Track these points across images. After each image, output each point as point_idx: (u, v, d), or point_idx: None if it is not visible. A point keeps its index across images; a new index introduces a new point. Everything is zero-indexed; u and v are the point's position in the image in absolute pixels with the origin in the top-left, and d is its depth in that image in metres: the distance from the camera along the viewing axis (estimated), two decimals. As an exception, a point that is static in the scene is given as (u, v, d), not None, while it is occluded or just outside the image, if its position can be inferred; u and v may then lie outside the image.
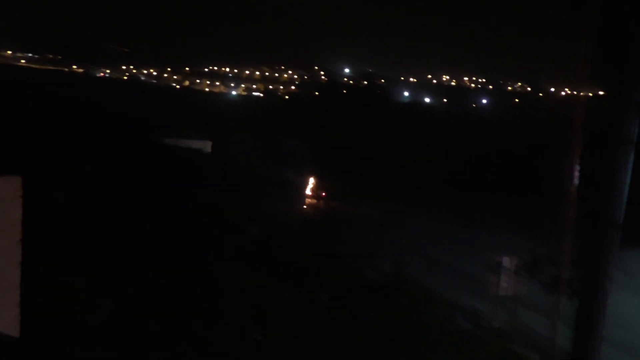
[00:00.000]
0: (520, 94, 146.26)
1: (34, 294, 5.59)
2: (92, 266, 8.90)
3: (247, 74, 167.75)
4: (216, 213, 16.11)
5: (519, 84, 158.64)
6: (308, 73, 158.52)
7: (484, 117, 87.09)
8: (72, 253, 8.73)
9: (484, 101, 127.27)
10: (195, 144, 30.29)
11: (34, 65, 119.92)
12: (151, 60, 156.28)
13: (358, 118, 19.11)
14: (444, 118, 48.91)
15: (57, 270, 7.95)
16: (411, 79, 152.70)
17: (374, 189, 16.99)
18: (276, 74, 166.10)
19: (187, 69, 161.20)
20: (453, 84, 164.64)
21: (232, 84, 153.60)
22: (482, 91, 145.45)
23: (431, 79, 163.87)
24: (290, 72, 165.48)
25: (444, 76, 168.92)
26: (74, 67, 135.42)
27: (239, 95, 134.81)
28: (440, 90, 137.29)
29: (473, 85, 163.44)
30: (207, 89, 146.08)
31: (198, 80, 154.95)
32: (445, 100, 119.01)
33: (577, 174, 7.80)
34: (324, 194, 19.75)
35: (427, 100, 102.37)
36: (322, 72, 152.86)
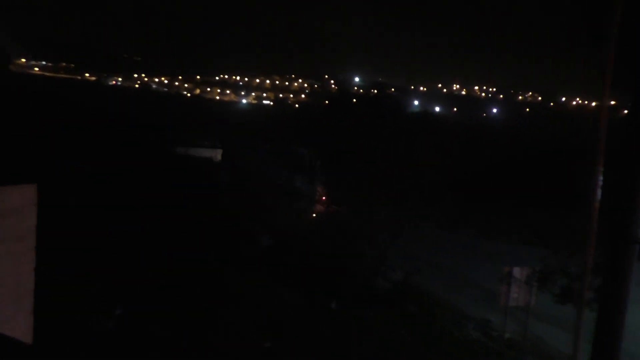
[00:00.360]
0: (531, 104, 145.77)
1: (46, 300, 5.64)
2: (105, 272, 8.96)
3: (257, 82, 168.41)
4: (227, 221, 16.15)
5: (530, 93, 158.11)
6: (318, 82, 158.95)
7: (494, 126, 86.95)
8: (86, 259, 8.79)
9: (495, 110, 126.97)
10: (206, 152, 30.44)
11: (47, 74, 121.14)
12: (163, 69, 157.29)
13: (368, 127, 19.10)
14: (455, 127, 48.89)
15: (70, 276, 8.00)
16: (421, 88, 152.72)
17: (384, 197, 16.95)
18: (286, 83, 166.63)
19: (198, 77, 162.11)
20: (463, 93, 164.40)
21: (243, 93, 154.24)
22: (493, 100, 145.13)
23: (441, 88, 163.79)
24: (300, 81, 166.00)
25: (454, 85, 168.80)
26: (87, 75, 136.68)
27: (249, 104, 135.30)
28: (451, 99, 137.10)
29: (483, 94, 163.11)
30: (217, 98, 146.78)
31: (209, 89, 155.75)
32: (455, 109, 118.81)
33: (596, 185, 7.69)
34: (333, 202, 19.75)
35: (437, 109, 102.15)
36: (332, 81, 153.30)
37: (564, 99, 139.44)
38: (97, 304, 8.44)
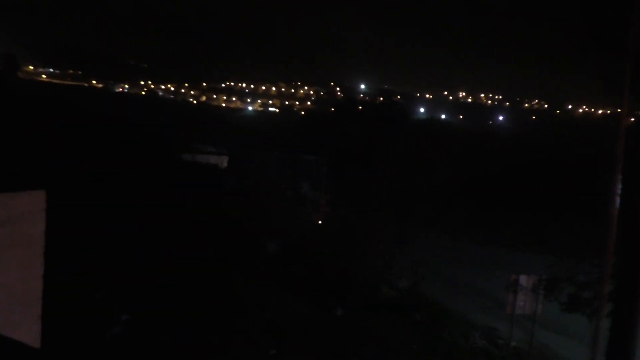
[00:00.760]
0: (537, 111, 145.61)
1: (54, 305, 5.66)
2: (112, 278, 8.98)
3: (263, 89, 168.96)
4: (233, 227, 16.17)
5: (536, 100, 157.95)
6: (324, 89, 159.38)
7: (501, 133, 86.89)
8: (94, 265, 8.82)
9: (501, 118, 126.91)
10: (212, 159, 30.49)
11: (55, 80, 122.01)
12: (169, 76, 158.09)
13: (374, 134, 19.11)
14: (461, 134, 48.92)
15: (78, 281, 8.03)
16: (427, 96, 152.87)
17: (390, 205, 16.94)
18: (292, 90, 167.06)
19: (204, 84, 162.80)
20: (469, 100, 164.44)
21: (249, 100, 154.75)
22: (499, 108, 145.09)
23: (447, 96, 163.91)
24: (306, 88, 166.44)
25: (460, 93, 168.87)
26: (94, 82, 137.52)
27: (255, 111, 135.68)
28: (457, 107, 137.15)
29: (489, 102, 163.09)
30: (224, 104, 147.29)
31: (215, 96, 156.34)
32: (461, 116, 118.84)
33: (615, 193, 7.62)
34: (339, 209, 19.74)
35: (443, 116, 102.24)
36: (338, 89, 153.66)
37: (570, 106, 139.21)
38: (104, 310, 8.46)
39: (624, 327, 8.59)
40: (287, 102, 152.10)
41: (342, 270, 16.51)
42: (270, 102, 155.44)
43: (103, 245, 9.66)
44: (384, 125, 19.90)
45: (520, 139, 72.14)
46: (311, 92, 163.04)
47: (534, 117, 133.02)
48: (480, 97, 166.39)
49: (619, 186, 7.72)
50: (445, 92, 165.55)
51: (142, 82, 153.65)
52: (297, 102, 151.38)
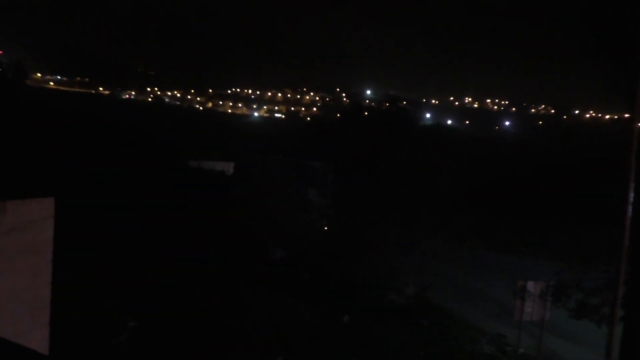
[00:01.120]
0: (544, 116, 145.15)
1: (62, 313, 5.68)
2: (120, 285, 9.00)
3: (269, 95, 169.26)
4: (239, 233, 16.18)
5: (542, 106, 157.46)
6: (330, 95, 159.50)
7: (507, 139, 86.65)
8: (103, 272, 8.85)
9: (507, 123, 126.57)
10: (219, 165, 30.54)
11: (62, 88, 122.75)
12: (175, 82, 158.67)
13: (380, 140, 19.11)
14: (468, 140, 48.80)
15: (86, 288, 8.06)
16: (433, 101, 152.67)
17: (396, 211, 16.91)
18: (298, 96, 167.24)
19: (210, 90, 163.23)
20: (475, 106, 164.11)
21: (255, 106, 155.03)
22: (505, 113, 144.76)
23: (453, 101, 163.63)
24: (312, 94, 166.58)
25: (466, 98, 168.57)
26: (101, 89, 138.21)
27: (261, 117, 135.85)
28: (463, 112, 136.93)
29: (495, 107, 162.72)
30: (229, 111, 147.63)
31: (221, 102, 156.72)
32: (467, 122, 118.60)
33: (628, 201, 7.56)
34: (346, 215, 19.72)
35: (449, 122, 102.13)
36: (344, 94, 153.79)
37: (577, 111, 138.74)
38: (112, 316, 8.47)
39: (635, 333, 8.52)
40: (293, 108, 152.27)
41: (349, 276, 16.49)
42: (276, 108, 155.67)
43: (111, 252, 9.69)
44: (390, 131, 19.90)
45: (527, 145, 71.93)
46: (317, 98, 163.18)
47: (540, 122, 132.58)
48: (487, 103, 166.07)
49: (632, 194, 7.66)
50: (452, 98, 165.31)
51: (148, 89, 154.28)
52: (303, 108, 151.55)
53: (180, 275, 10.45)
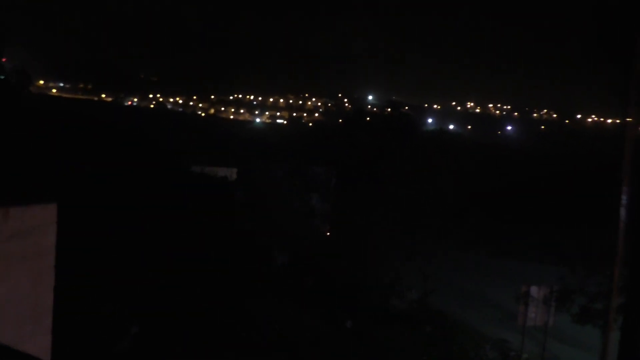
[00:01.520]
0: (546, 121, 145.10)
1: (65, 320, 5.68)
2: (123, 291, 9.00)
3: (271, 101, 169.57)
4: (242, 239, 16.18)
5: (545, 110, 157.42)
6: (332, 101, 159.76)
7: (510, 144, 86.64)
8: (106, 278, 8.85)
9: (510, 128, 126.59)
10: (221, 171, 30.55)
11: (65, 95, 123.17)
12: (178, 89, 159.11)
13: (383, 145, 19.11)
14: (470, 145, 48.73)
15: (88, 296, 8.05)
16: (435, 106, 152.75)
17: (400, 216, 16.89)
18: (300, 102, 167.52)
19: (212, 97, 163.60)
20: (478, 111, 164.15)
21: (257, 112, 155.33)
22: (508, 118, 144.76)
23: (455, 106, 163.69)
24: (314, 99, 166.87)
25: (469, 103, 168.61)
26: (103, 95, 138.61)
27: (263, 123, 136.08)
28: (465, 117, 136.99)
29: (498, 112, 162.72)
30: (232, 117, 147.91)
31: (223, 108, 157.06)
32: (469, 127, 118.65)
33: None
34: (348, 220, 19.69)
35: (451, 127, 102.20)
36: (346, 100, 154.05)
37: (579, 116, 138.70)
38: (114, 323, 8.47)
39: (633, 338, 8.48)
40: (295, 114, 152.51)
41: (352, 282, 16.47)
42: (279, 114, 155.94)
43: (114, 257, 9.69)
44: (393, 136, 19.90)
45: (530, 150, 71.89)
46: (319, 104, 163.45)
47: (542, 127, 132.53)
48: (489, 108, 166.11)
49: (625, 197, 7.64)
50: (454, 103, 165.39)
51: (151, 95, 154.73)
52: (305, 114, 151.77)
53: (183, 281, 10.44)
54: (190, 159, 29.46)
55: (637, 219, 8.17)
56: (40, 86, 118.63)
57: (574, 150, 65.83)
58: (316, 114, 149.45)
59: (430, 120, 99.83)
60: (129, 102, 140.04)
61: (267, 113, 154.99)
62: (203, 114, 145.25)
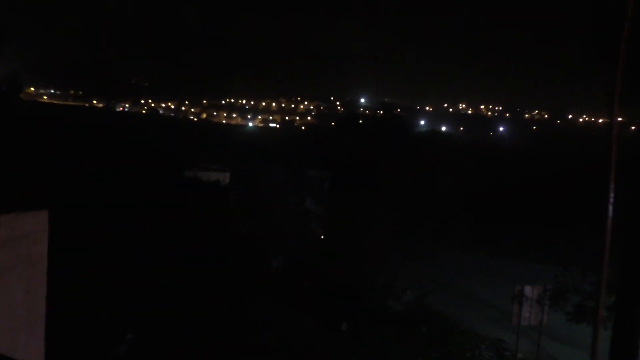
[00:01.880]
0: (538, 121, 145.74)
1: (58, 326, 5.63)
2: (117, 297, 8.95)
3: (263, 105, 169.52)
4: (237, 244, 16.14)
5: (536, 111, 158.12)
6: (325, 104, 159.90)
7: (502, 145, 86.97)
8: (99, 284, 8.80)
9: (502, 129, 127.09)
10: (214, 175, 30.49)
11: (56, 101, 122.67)
12: (170, 94, 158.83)
13: (376, 148, 19.15)
14: (463, 146, 48.83)
15: (83, 300, 8.00)
16: (427, 108, 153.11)
17: (395, 218, 16.90)
18: (293, 105, 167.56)
19: (204, 101, 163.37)
20: (470, 112, 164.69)
21: (249, 116, 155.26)
22: (500, 119, 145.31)
23: (447, 108, 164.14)
24: (306, 103, 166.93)
25: (461, 105, 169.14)
26: (94, 101, 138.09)
27: (256, 127, 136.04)
28: (457, 118, 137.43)
29: (490, 113, 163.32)
30: (224, 121, 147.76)
31: (215, 113, 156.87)
32: (462, 128, 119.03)
33: (608, 202, 7.56)
34: (343, 222, 19.68)
35: (444, 129, 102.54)
36: (338, 103, 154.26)
37: (570, 116, 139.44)
38: (109, 328, 8.42)
39: (624, 337, 8.50)
40: (287, 118, 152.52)
41: (348, 284, 16.46)
42: (271, 117, 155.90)
43: (108, 264, 9.64)
44: (386, 138, 19.92)
45: (522, 150, 72.15)
46: (311, 107, 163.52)
47: (534, 127, 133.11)
48: (481, 109, 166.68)
49: (612, 195, 7.65)
50: (446, 104, 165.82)
51: (142, 101, 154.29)
52: (298, 117, 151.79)
53: (180, 284, 10.40)
54: (183, 164, 29.37)
55: (626, 216, 8.21)
56: (30, 93, 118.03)
57: (566, 149, 66.10)
58: (309, 117, 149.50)
59: (422, 122, 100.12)
60: (121, 108, 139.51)
61: (259, 117, 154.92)
62: (195, 119, 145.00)
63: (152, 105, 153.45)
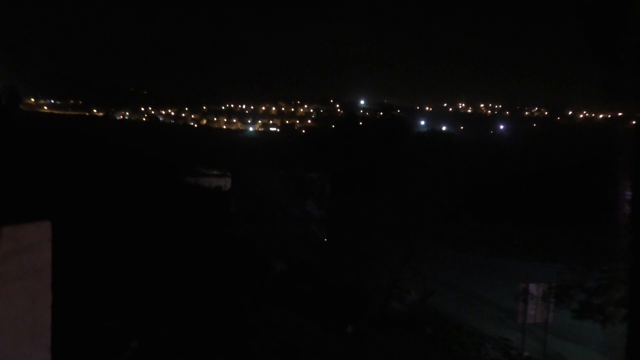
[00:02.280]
0: (537, 118, 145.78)
1: (63, 336, 5.64)
2: (119, 305, 8.95)
3: (263, 109, 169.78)
4: (238, 248, 16.16)
5: (536, 108, 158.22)
6: (324, 106, 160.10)
7: (503, 143, 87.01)
8: (100, 292, 8.81)
9: (502, 127, 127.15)
10: (215, 181, 30.58)
11: (56, 111, 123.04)
12: (169, 101, 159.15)
13: (376, 148, 19.19)
14: (464, 146, 48.89)
15: (86, 310, 8.01)
16: (427, 108, 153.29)
17: (396, 219, 16.89)
18: (292, 109, 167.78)
19: (204, 107, 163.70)
20: (469, 111, 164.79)
21: (249, 121, 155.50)
22: (499, 117, 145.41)
23: (447, 107, 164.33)
24: (306, 106, 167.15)
25: (460, 104, 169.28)
26: (94, 110, 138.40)
27: (256, 131, 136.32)
28: (457, 118, 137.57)
29: (489, 111, 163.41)
30: (224, 127, 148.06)
31: (215, 118, 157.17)
32: (462, 127, 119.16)
33: (620, 199, 7.56)
34: (344, 225, 19.70)
35: (444, 128, 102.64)
36: (337, 105, 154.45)
37: (570, 112, 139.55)
38: (113, 337, 8.42)
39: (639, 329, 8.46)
40: (287, 121, 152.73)
41: (350, 287, 16.45)
42: (271, 122, 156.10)
43: (110, 272, 9.65)
44: (386, 139, 19.95)
45: (524, 148, 72.19)
46: (311, 110, 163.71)
47: (534, 124, 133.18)
48: (480, 107, 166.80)
49: (629, 193, 7.63)
50: (445, 104, 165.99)
51: (142, 109, 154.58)
52: (298, 121, 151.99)
53: (181, 294, 10.40)
54: (184, 171, 29.44)
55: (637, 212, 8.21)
56: (30, 104, 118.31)
57: (566, 146, 66.12)
58: (308, 121, 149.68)
59: (422, 122, 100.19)
60: (121, 116, 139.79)
61: (259, 121, 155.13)
62: (195, 125, 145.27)
63: (152, 112, 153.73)
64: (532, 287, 17.46)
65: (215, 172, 33.36)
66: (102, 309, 8.62)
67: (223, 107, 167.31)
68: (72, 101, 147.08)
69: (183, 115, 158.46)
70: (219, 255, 14.07)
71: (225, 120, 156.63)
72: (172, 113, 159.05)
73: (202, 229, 15.34)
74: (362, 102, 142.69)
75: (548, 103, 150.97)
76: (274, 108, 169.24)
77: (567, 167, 41.01)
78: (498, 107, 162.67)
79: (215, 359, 9.17)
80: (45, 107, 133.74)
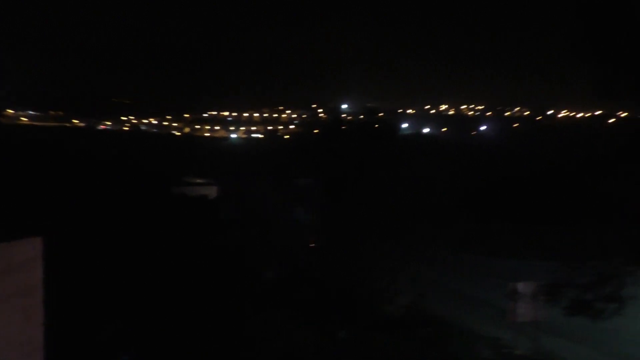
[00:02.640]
0: (519, 118, 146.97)
1: (56, 352, 5.52)
2: (112, 318, 8.83)
3: (246, 116, 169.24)
4: (228, 257, 16.02)
5: (518, 108, 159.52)
6: (307, 112, 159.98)
7: (486, 143, 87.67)
8: (92, 305, 8.67)
9: (484, 128, 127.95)
10: (201, 190, 30.31)
11: (36, 123, 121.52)
12: (151, 110, 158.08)
13: (362, 152, 19.20)
14: (448, 147, 49.16)
15: (78, 325, 7.87)
16: (409, 111, 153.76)
17: (387, 222, 16.89)
18: (275, 115, 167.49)
19: (187, 115, 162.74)
20: (451, 113, 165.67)
21: (232, 128, 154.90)
22: (481, 118, 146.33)
23: (429, 109, 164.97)
24: (289, 112, 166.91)
25: (442, 106, 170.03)
26: (75, 121, 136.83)
27: (239, 138, 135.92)
28: (440, 120, 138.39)
29: (471, 113, 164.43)
30: (207, 134, 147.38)
31: (198, 126, 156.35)
32: (445, 129, 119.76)
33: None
34: (334, 229, 19.66)
35: (427, 130, 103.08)
36: (320, 110, 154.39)
37: (551, 111, 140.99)
38: (106, 350, 8.29)
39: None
40: (270, 128, 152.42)
41: (343, 291, 16.41)
42: (254, 128, 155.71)
43: (101, 286, 9.51)
44: (372, 142, 19.95)
45: (505, 147, 72.74)
46: (294, 116, 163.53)
47: (516, 124, 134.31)
48: (463, 109, 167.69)
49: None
50: (427, 106, 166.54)
51: (124, 118, 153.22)
52: (281, 127, 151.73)
53: (174, 306, 10.29)
54: (169, 181, 29.18)
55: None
56: (10, 115, 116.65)
57: (548, 145, 66.74)
58: (292, 126, 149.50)
59: (405, 125, 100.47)
60: (103, 127, 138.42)
61: (242, 128, 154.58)
62: (178, 134, 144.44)
63: (134, 122, 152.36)
64: (521, 286, 17.60)
65: (200, 181, 33.07)
66: (95, 322, 8.49)
67: (206, 115, 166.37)
68: (52, 112, 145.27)
69: (166, 124, 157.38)
70: (208, 264, 13.95)
71: (208, 127, 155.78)
72: (155, 122, 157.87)
73: (191, 238, 15.19)
74: (345, 106, 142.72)
75: (529, 103, 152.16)
76: (256, 115, 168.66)
77: (554, 166, 41.28)
78: (480, 108, 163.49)
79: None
80: (24, 119, 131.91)
